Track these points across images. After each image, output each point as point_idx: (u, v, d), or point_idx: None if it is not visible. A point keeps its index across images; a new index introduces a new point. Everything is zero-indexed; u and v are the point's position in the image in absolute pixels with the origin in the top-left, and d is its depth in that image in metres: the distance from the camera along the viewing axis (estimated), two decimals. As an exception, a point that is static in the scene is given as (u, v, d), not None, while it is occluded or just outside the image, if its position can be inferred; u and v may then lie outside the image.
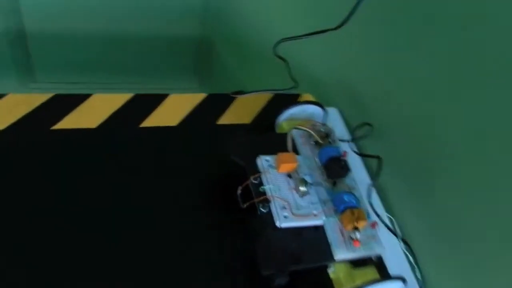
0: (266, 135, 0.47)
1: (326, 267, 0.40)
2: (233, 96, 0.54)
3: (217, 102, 0.55)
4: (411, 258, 0.43)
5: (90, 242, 0.39)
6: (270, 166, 0.43)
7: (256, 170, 0.43)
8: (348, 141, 0.54)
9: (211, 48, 1.15)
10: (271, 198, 0.40)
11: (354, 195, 0.41)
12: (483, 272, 0.40)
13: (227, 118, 0.53)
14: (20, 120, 0.45)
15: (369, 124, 0.54)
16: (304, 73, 0.72)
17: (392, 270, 0.41)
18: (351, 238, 0.39)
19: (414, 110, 0.47)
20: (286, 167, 0.42)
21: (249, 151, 0.44)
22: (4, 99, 0.46)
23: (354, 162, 0.54)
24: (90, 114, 0.48)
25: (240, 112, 0.55)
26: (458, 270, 0.43)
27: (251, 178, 0.42)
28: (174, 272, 0.38)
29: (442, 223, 0.45)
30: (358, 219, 0.39)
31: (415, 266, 0.44)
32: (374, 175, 0.49)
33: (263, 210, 0.40)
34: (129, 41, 1.09)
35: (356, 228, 0.38)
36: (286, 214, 0.40)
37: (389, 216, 0.45)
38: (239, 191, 0.41)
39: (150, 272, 0.38)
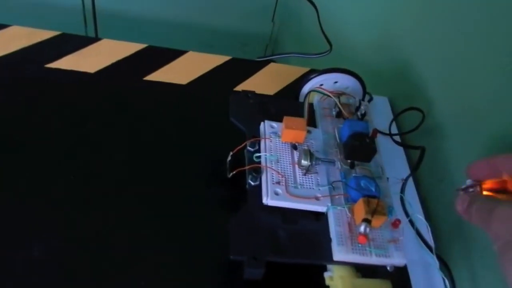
0: (279, 100, 0.39)
1: (322, 269, 0.30)
2: (259, 60, 0.46)
3: (240, 68, 0.47)
4: (447, 283, 0.31)
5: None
6: (275, 133, 0.34)
7: (256, 136, 0.34)
8: (389, 135, 0.43)
9: (278, 46, 1.09)
10: (264, 169, 0.32)
11: (375, 182, 0.31)
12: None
13: (247, 86, 0.46)
14: (17, 52, 0.41)
15: (419, 110, 0.43)
16: (356, 60, 0.62)
17: (416, 292, 0.30)
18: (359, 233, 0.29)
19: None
20: (291, 135, 0.33)
21: (254, 115, 0.36)
22: (7, 30, 0.43)
23: (394, 154, 0.43)
24: (92, 58, 0.43)
25: (265, 82, 0.47)
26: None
27: (248, 143, 0.33)
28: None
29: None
30: (374, 211, 0.29)
31: (452, 295, 0.32)
32: (414, 167, 0.38)
33: (252, 182, 0.31)
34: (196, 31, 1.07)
35: (366, 220, 0.28)
36: (278, 190, 0.30)
37: (426, 221, 0.33)
38: (229, 158, 0.33)
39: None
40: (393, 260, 0.29)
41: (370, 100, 0.48)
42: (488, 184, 0.27)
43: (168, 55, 0.46)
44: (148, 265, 0.30)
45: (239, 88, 0.45)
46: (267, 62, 0.49)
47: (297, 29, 0.94)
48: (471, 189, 0.27)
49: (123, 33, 1.04)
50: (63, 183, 0.34)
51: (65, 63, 0.42)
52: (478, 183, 0.27)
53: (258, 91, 0.45)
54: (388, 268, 0.29)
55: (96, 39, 0.45)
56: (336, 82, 0.40)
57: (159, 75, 0.44)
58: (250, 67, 0.47)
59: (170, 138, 0.39)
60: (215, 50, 1.09)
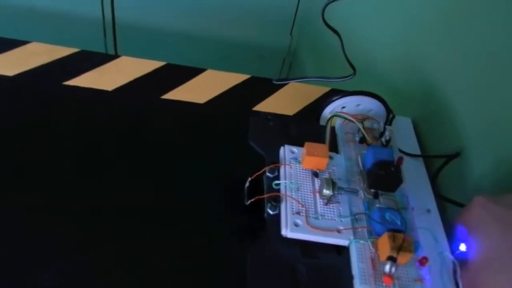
0: (301, 124, 0.37)
1: (343, 307, 0.28)
2: (277, 83, 0.45)
3: (259, 87, 0.46)
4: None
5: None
6: (295, 159, 0.33)
7: (276, 161, 0.33)
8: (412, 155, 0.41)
9: (297, 60, 1.07)
10: (283, 197, 0.30)
11: (401, 215, 0.30)
12: None
13: (266, 106, 0.44)
14: (36, 69, 0.41)
15: (457, 155, 0.40)
16: (377, 77, 0.60)
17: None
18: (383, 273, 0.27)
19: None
20: (313, 162, 0.32)
21: (274, 139, 0.35)
22: (27, 46, 0.43)
23: (417, 180, 0.41)
24: (110, 76, 0.42)
25: (284, 102, 0.45)
26: None
27: (267, 169, 0.32)
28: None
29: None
30: (400, 248, 0.27)
31: None
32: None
33: (270, 211, 0.30)
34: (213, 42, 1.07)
35: (392, 259, 0.26)
36: (298, 221, 0.29)
37: (458, 264, 0.31)
38: (247, 184, 0.32)
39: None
40: (419, 301, 0.27)
41: (393, 118, 0.47)
42: None
43: (186, 73, 0.45)
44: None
45: (258, 108, 0.44)
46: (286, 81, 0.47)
47: (316, 44, 0.93)
48: None
49: (142, 46, 1.05)
50: (77, 202, 0.33)
51: (83, 80, 0.41)
52: None
53: (277, 111, 0.44)
54: (415, 310, 0.27)
55: (114, 56, 0.44)
56: (358, 105, 0.38)
57: (177, 94, 0.43)
58: (270, 86, 0.46)
59: (186, 160, 0.38)
60: (232, 62, 1.09)
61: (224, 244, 0.32)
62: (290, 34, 1.06)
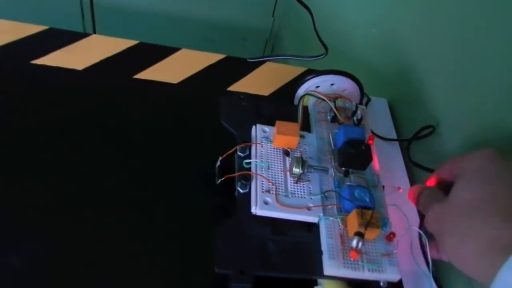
0: (274, 103, 0.37)
1: (313, 283, 0.29)
2: (251, 61, 0.44)
3: (234, 67, 0.46)
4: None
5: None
6: (266, 138, 0.33)
7: (247, 141, 0.33)
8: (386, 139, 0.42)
9: (279, 42, 1.06)
10: (253, 176, 0.30)
11: (370, 192, 0.30)
12: None
13: (241, 86, 0.44)
14: (1, 48, 0.40)
15: (431, 127, 0.41)
16: (355, 60, 0.60)
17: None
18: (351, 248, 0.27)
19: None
20: (284, 141, 0.31)
21: (245, 118, 0.35)
22: (-8, 24, 0.42)
23: (391, 159, 0.42)
24: (80, 54, 0.41)
25: (260, 82, 0.45)
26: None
27: (238, 148, 0.32)
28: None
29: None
30: (368, 224, 0.27)
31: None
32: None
33: (241, 190, 0.30)
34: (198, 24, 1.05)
35: (359, 234, 0.27)
36: (268, 199, 0.29)
37: (425, 237, 0.32)
38: (218, 163, 0.32)
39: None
40: (386, 275, 0.27)
41: (368, 101, 0.47)
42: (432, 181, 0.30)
43: (160, 52, 0.44)
44: (128, 277, 0.29)
45: (233, 88, 0.44)
46: (263, 61, 0.47)
47: (297, 25, 0.92)
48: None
49: (122, 28, 1.02)
50: (46, 186, 0.32)
51: (51, 59, 0.40)
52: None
53: (252, 92, 0.43)
54: (381, 283, 0.27)
55: (85, 34, 0.43)
56: (332, 85, 0.38)
57: (150, 74, 0.42)
58: (245, 66, 0.46)
59: (159, 140, 0.37)
60: (215, 44, 1.07)
61: (194, 223, 0.32)
62: (272, 15, 1.05)
